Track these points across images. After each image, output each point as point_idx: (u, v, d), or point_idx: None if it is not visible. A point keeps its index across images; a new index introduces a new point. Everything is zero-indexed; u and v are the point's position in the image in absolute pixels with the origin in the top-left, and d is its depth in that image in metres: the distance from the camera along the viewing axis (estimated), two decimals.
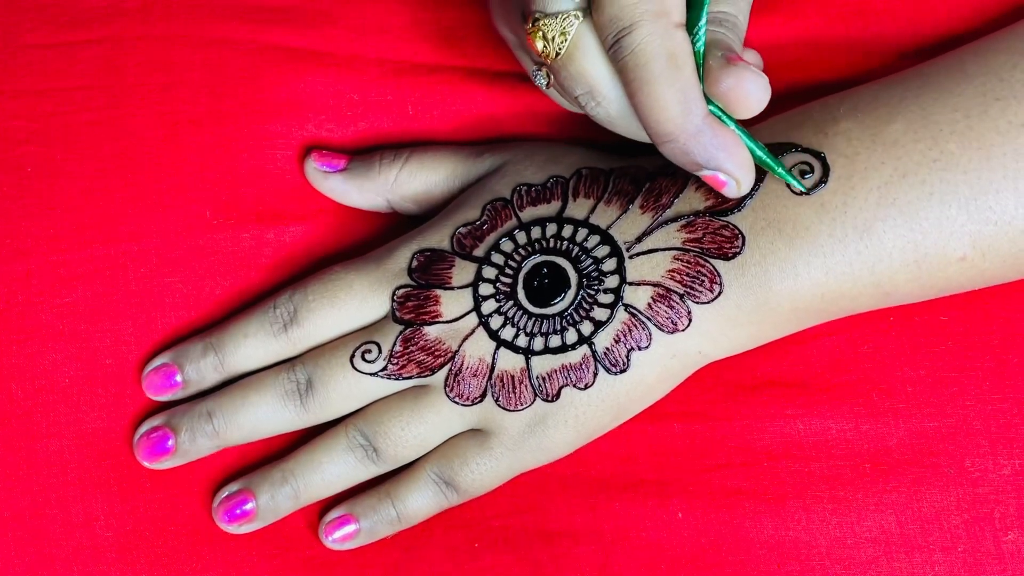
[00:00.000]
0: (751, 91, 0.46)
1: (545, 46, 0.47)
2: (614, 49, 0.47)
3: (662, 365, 0.53)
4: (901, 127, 0.51)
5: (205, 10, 0.58)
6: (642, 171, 0.54)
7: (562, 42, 0.47)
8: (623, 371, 0.53)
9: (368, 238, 0.59)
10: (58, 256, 0.56)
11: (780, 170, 0.50)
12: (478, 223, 0.54)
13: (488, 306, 0.53)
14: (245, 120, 0.57)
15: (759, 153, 0.49)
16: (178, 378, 0.56)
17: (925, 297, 0.53)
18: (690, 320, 0.52)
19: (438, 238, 0.55)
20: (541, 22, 0.47)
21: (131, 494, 0.56)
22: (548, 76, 0.50)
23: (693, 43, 0.47)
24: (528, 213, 0.54)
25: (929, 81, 0.52)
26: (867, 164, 0.51)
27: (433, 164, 0.57)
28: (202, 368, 0.56)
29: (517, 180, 0.55)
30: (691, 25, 0.47)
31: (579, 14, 0.47)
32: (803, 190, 0.51)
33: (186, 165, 0.57)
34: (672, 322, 0.52)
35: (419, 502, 0.56)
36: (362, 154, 0.58)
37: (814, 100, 0.57)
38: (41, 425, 0.55)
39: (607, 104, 0.49)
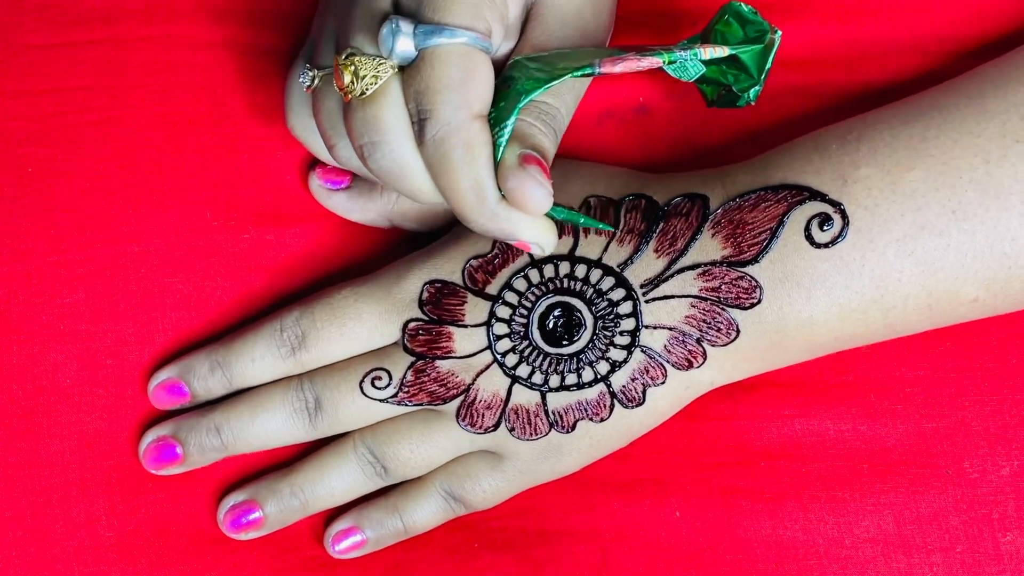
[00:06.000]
0: (530, 196, 0.47)
1: (352, 82, 0.47)
2: (417, 127, 0.47)
3: (675, 396, 0.54)
4: (921, 175, 0.51)
5: (206, 12, 0.58)
6: (652, 205, 0.54)
7: (371, 83, 0.47)
8: (639, 405, 0.53)
9: (370, 240, 0.59)
10: (58, 256, 0.56)
11: (582, 221, 0.50)
12: (490, 256, 0.54)
13: (502, 345, 0.53)
14: (246, 121, 0.57)
15: (559, 217, 0.49)
16: (185, 390, 0.56)
17: (932, 328, 0.53)
18: (705, 358, 0.53)
19: (449, 268, 0.54)
20: (357, 58, 0.47)
21: (132, 494, 0.56)
22: (313, 80, 0.50)
23: (498, 135, 0.47)
24: None
25: (949, 118, 0.51)
26: (886, 216, 0.51)
27: None
28: (209, 385, 0.56)
29: None
30: (503, 118, 0.47)
31: (395, 66, 0.47)
32: (611, 230, 0.52)
33: (187, 166, 0.57)
34: (687, 361, 0.53)
35: (426, 516, 0.56)
36: None
37: (814, 103, 0.57)
38: (42, 425, 0.56)
39: (386, 159, 0.48)
